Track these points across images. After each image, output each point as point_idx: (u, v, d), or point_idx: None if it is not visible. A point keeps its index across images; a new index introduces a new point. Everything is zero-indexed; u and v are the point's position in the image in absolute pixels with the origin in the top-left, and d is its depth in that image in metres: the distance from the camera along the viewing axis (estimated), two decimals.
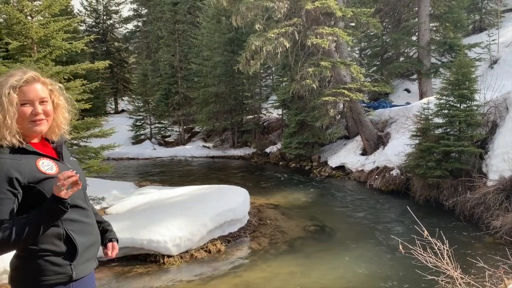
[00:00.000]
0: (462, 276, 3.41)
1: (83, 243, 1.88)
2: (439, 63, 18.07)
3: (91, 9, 35.39)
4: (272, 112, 22.20)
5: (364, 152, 14.31)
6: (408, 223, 8.39)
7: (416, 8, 18.25)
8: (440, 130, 9.96)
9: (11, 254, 1.86)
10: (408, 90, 21.72)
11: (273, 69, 23.56)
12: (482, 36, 19.84)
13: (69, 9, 25.43)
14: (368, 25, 14.02)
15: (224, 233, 7.76)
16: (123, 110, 33.84)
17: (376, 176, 12.13)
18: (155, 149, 22.15)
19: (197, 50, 23.20)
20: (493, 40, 18.97)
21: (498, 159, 8.77)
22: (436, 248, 3.38)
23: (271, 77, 25.99)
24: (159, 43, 28.00)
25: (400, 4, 18.83)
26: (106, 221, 2.31)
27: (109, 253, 2.21)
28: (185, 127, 24.49)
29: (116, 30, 37.75)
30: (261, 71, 22.37)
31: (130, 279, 6.16)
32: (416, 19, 17.99)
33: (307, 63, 13.68)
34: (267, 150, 18.90)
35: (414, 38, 18.98)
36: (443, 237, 3.44)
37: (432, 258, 3.35)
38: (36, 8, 8.02)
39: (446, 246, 3.36)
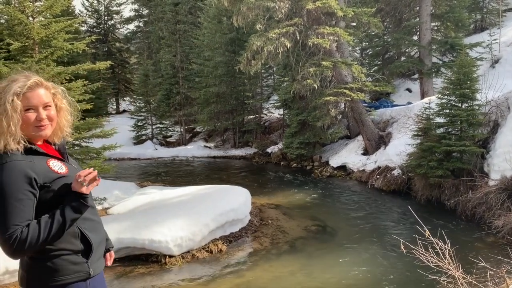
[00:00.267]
0: (464, 276, 3.41)
1: (96, 241, 1.94)
2: (441, 62, 18.03)
3: (92, 9, 35.41)
4: (273, 112, 22.19)
5: (366, 152, 14.30)
6: (410, 223, 8.39)
7: (417, 8, 18.23)
8: (441, 130, 9.95)
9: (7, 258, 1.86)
10: (409, 90, 21.68)
11: (274, 69, 23.54)
12: (484, 36, 19.78)
13: (70, 10, 25.48)
14: (369, 25, 14.01)
15: (226, 233, 7.77)
16: (124, 111, 33.86)
17: (378, 176, 12.12)
18: (156, 149, 22.16)
19: (198, 50, 23.21)
20: (495, 40, 18.92)
21: (499, 159, 8.76)
22: (437, 248, 3.38)
23: (272, 77, 25.98)
24: (160, 44, 28.01)
25: (401, 3, 18.81)
26: None
27: (108, 263, 2.28)
28: (186, 127, 24.50)
29: (117, 30, 37.76)
30: (262, 71, 22.36)
31: (132, 279, 6.17)
32: (417, 19, 17.97)
33: (308, 63, 13.67)
34: (269, 150, 18.90)
35: (415, 37, 18.93)
36: (445, 236, 3.44)
37: (434, 258, 3.35)
38: (38, 9, 8.02)
39: (447, 246, 3.36)
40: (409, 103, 17.21)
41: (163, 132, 24.61)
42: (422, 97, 17.16)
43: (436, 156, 9.64)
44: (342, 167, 14.39)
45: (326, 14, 13.57)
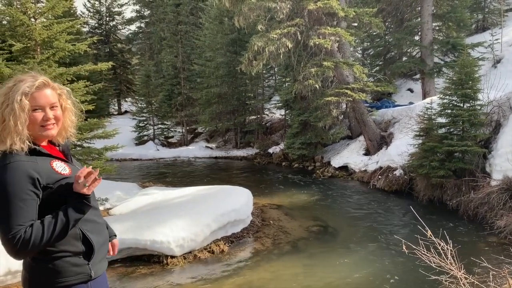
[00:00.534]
0: (466, 276, 3.40)
1: (98, 242, 1.93)
2: (442, 62, 18.02)
3: (94, 10, 35.47)
4: (275, 113, 22.20)
5: (367, 152, 14.29)
6: (411, 223, 8.38)
7: (419, 8, 18.22)
8: (443, 130, 9.95)
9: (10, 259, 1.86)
10: (411, 90, 21.66)
11: (275, 70, 23.55)
12: (485, 36, 19.76)
13: (72, 11, 25.53)
14: (371, 25, 14.01)
15: (227, 233, 7.77)
16: (126, 111, 33.92)
17: (379, 176, 12.11)
18: (158, 150, 22.19)
19: (200, 51, 23.24)
20: (496, 40, 18.89)
21: (501, 159, 8.74)
22: (439, 248, 3.37)
23: (273, 78, 25.99)
24: (162, 44, 28.05)
25: (403, 3, 18.81)
26: None
27: (112, 253, 2.28)
28: (188, 128, 24.53)
29: (119, 31, 37.80)
30: (264, 71, 22.36)
31: (134, 280, 6.18)
32: (419, 19, 17.96)
33: (309, 63, 13.67)
34: (270, 150, 18.90)
35: (417, 37, 18.93)
36: (447, 237, 3.43)
37: (436, 258, 3.34)
38: (40, 10, 8.04)
39: (449, 246, 3.35)
40: (410, 103, 17.20)
41: (165, 133, 24.64)
42: (424, 97, 17.14)
43: (438, 156, 9.62)
44: (344, 168, 14.38)
45: (328, 15, 13.56)
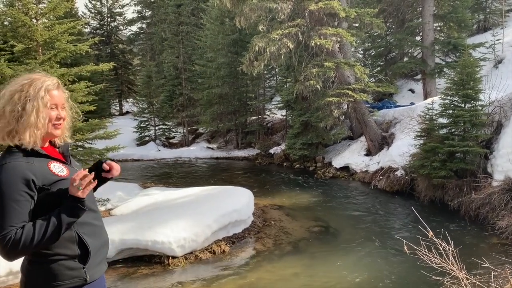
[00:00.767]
0: (468, 276, 3.40)
1: (95, 245, 1.91)
2: (444, 63, 17.99)
3: (96, 11, 35.55)
4: (276, 113, 22.20)
5: (369, 153, 14.28)
6: (413, 224, 8.37)
7: (420, 8, 18.20)
8: (444, 130, 9.93)
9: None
10: (412, 90, 21.63)
11: (276, 70, 23.56)
12: (487, 36, 19.73)
13: (73, 12, 25.62)
14: (372, 26, 14.00)
15: (229, 234, 7.77)
16: (127, 112, 33.97)
17: (381, 177, 12.10)
18: (159, 150, 22.21)
19: (201, 51, 23.26)
20: (498, 40, 18.86)
21: (503, 159, 8.73)
22: (441, 248, 3.37)
23: (274, 78, 26.00)
24: (163, 45, 28.11)
25: (404, 4, 18.79)
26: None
27: (106, 166, 2.10)
28: (189, 128, 24.55)
29: (120, 32, 37.89)
30: (265, 72, 22.37)
31: (135, 280, 6.18)
32: (420, 19, 17.94)
33: (310, 64, 13.67)
34: (271, 151, 18.90)
35: (418, 38, 18.90)
36: (448, 237, 3.43)
37: (437, 259, 3.34)
38: (41, 11, 8.06)
39: (451, 247, 3.35)
40: (412, 103, 17.18)
41: (166, 133, 24.67)
42: (425, 97, 17.12)
43: (439, 157, 9.61)
44: (345, 168, 14.38)
45: (329, 15, 13.57)
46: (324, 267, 6.61)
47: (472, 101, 9.49)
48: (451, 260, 3.32)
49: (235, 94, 21.18)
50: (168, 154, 21.47)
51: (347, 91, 13.32)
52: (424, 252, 3.33)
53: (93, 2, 35.32)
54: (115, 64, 11.23)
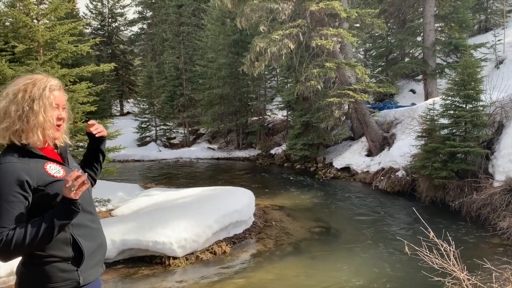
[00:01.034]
0: (469, 277, 3.39)
1: (89, 248, 1.89)
2: (445, 63, 17.99)
3: (97, 12, 35.60)
4: (277, 114, 22.21)
5: (370, 153, 14.28)
6: (414, 224, 8.37)
7: (421, 9, 18.20)
8: (445, 131, 9.92)
9: (17, 259, 1.86)
10: (413, 91, 21.64)
11: (277, 71, 23.57)
12: (488, 36, 19.74)
13: (74, 12, 25.62)
14: (373, 26, 14.00)
15: (230, 234, 7.77)
16: (128, 112, 33.98)
17: (382, 177, 12.09)
18: (160, 151, 22.22)
19: (202, 52, 23.28)
20: (499, 40, 18.87)
21: (504, 160, 8.72)
22: (442, 249, 3.36)
23: (275, 79, 26.01)
24: (164, 46, 28.12)
25: (405, 4, 18.79)
26: None
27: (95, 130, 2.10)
28: (190, 129, 24.56)
29: (121, 32, 37.93)
30: (266, 72, 22.39)
31: (136, 281, 6.18)
32: (421, 20, 17.94)
33: (311, 64, 13.67)
34: (272, 151, 18.90)
35: (419, 38, 18.91)
36: (449, 238, 3.42)
37: (438, 260, 3.33)
38: (42, 12, 8.08)
39: (452, 248, 3.34)
40: (413, 104, 17.18)
41: (167, 134, 24.69)
42: (426, 98, 17.12)
43: (441, 157, 9.60)
44: (346, 169, 14.37)
45: (330, 16, 13.57)
46: (325, 268, 6.60)
47: (473, 102, 9.48)
48: (452, 261, 3.31)
49: (236, 94, 21.19)
50: (169, 154, 21.48)
51: (348, 92, 13.32)
52: (425, 253, 3.32)
53: (94, 2, 35.37)
54: (116, 65, 11.23)
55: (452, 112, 9.69)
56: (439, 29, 18.60)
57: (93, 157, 2.23)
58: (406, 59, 20.08)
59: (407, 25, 18.73)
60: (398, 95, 20.97)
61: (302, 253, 7.31)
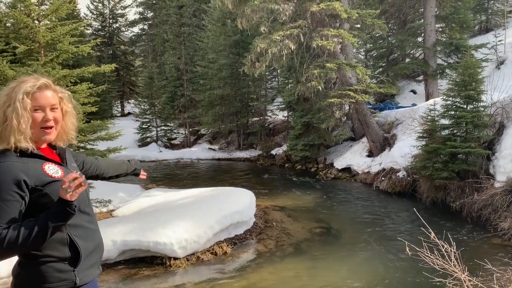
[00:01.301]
0: (470, 278, 3.39)
1: (86, 249, 1.88)
2: (445, 64, 17.98)
3: (97, 13, 35.64)
4: (278, 114, 22.21)
5: (370, 154, 14.27)
6: (415, 225, 8.35)
7: (422, 9, 18.19)
8: (446, 132, 9.91)
9: (14, 260, 1.86)
10: (414, 91, 21.63)
11: (278, 71, 23.56)
12: (489, 37, 19.74)
13: (75, 13, 25.68)
14: (374, 27, 13.99)
15: (230, 235, 7.77)
16: (129, 113, 34.00)
17: (383, 178, 12.08)
18: (161, 151, 22.22)
19: (203, 52, 23.28)
20: (500, 41, 18.87)
21: (505, 160, 8.71)
22: (443, 250, 3.36)
23: (276, 79, 26.01)
24: (165, 46, 28.13)
25: (406, 5, 18.78)
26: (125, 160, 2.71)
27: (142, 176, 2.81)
28: (191, 129, 24.56)
29: (122, 33, 37.96)
30: (267, 73, 22.37)
31: (137, 281, 6.18)
32: (422, 20, 17.93)
33: (312, 65, 13.67)
34: (273, 152, 18.89)
35: (420, 39, 18.91)
36: (450, 239, 3.42)
37: (439, 261, 3.33)
38: (43, 13, 8.08)
39: (453, 248, 3.34)
40: (413, 104, 17.17)
41: (168, 135, 24.69)
42: (427, 98, 17.11)
43: (441, 158, 9.60)
44: (347, 169, 14.36)
45: (330, 16, 13.57)
46: (325, 268, 6.60)
47: (474, 102, 9.47)
48: (453, 262, 3.31)
49: (237, 95, 21.19)
50: (170, 155, 21.49)
51: (349, 92, 13.31)
52: (426, 254, 3.32)
53: (95, 3, 35.42)
54: (117, 66, 11.24)
55: (453, 112, 9.69)
56: (440, 29, 18.60)
57: (121, 175, 2.63)
58: (407, 60, 20.08)
59: (407, 26, 18.73)
60: (399, 96, 20.96)
61: (303, 253, 7.31)
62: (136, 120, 24.62)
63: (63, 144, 1.99)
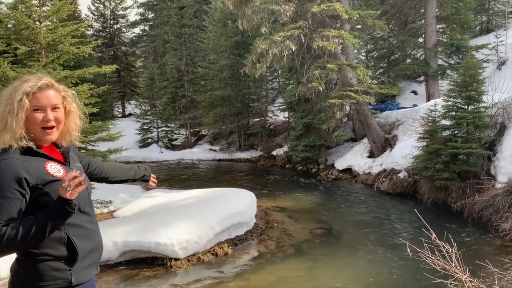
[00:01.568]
0: (471, 279, 3.38)
1: (84, 248, 1.88)
2: (446, 64, 17.97)
3: (98, 13, 35.67)
4: (279, 115, 22.21)
5: (371, 155, 14.26)
6: (416, 226, 8.35)
7: (423, 10, 18.19)
8: (447, 132, 9.90)
9: (12, 258, 1.86)
10: (415, 92, 21.62)
11: (279, 72, 23.54)
12: (490, 37, 19.73)
13: (76, 14, 25.70)
14: (375, 27, 13.99)
15: (231, 236, 7.77)
16: (130, 114, 34.02)
17: (384, 179, 12.07)
18: (162, 152, 22.23)
19: (204, 53, 23.29)
20: (501, 41, 18.85)
21: (506, 161, 8.70)
22: (444, 251, 3.36)
23: (277, 80, 26.01)
24: (166, 47, 28.15)
25: (407, 6, 18.78)
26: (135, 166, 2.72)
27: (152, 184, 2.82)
28: (191, 130, 24.57)
29: (123, 34, 37.99)
30: (267, 74, 22.38)
31: (138, 282, 6.18)
32: (423, 21, 17.93)
33: (313, 65, 13.67)
34: (274, 153, 18.89)
35: (420, 39, 18.90)
36: (451, 239, 3.42)
37: (440, 261, 3.33)
38: (45, 14, 8.10)
39: (454, 249, 3.34)
40: (414, 105, 17.16)
41: (169, 135, 24.70)
42: (428, 99, 17.10)
43: (442, 159, 9.59)
44: (348, 170, 14.35)
45: (331, 17, 13.57)
46: (326, 269, 6.59)
47: (475, 103, 9.46)
48: (454, 263, 3.30)
49: (238, 96, 21.20)
50: (171, 156, 21.50)
51: (350, 93, 13.31)
52: (427, 255, 3.32)
53: (96, 4, 35.46)
54: (118, 66, 11.25)
55: (454, 113, 9.68)
56: (441, 30, 18.59)
57: (128, 180, 2.70)
58: (408, 61, 20.08)
59: (408, 27, 18.72)
60: (400, 97, 20.95)
61: (303, 254, 7.30)
62: (137, 121, 24.63)
63: (66, 144, 1.99)
